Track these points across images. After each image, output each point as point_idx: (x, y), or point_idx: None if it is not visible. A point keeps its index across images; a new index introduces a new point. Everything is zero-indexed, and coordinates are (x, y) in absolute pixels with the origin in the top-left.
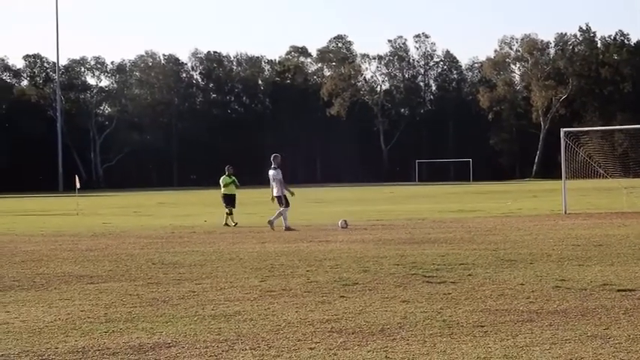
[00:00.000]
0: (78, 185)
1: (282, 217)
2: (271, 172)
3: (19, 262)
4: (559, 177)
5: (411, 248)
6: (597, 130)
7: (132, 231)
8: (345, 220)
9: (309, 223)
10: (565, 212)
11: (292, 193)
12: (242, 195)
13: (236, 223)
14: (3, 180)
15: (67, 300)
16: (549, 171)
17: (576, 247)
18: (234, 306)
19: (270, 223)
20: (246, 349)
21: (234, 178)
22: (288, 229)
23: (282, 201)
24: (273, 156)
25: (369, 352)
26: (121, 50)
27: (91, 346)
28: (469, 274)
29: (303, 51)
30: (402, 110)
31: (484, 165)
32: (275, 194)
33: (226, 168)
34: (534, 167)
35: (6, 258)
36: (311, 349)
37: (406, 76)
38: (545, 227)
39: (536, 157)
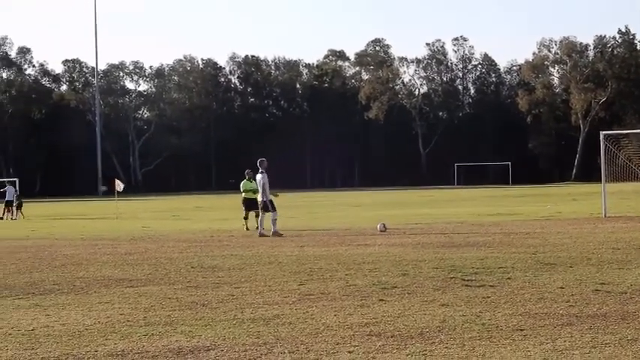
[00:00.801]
0: (119, 188)
1: (259, 221)
2: (258, 177)
3: (59, 265)
4: (599, 180)
5: (450, 252)
6: (637, 133)
7: (171, 235)
8: (384, 224)
9: (348, 226)
10: (605, 215)
11: (276, 195)
12: (282, 199)
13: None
14: (43, 184)
15: (107, 303)
16: (589, 174)
17: (616, 251)
18: (272, 309)
19: (261, 234)
20: (284, 353)
21: (254, 182)
22: (262, 235)
23: (268, 206)
24: (259, 160)
25: (407, 355)
26: (160, 55)
27: (131, 350)
28: (508, 278)
29: (340, 55)
30: (441, 113)
31: (523, 168)
32: (261, 199)
33: (246, 172)
34: (574, 170)
35: (46, 262)
36: (350, 352)
37: (444, 79)
38: (584, 230)
39: (576, 160)
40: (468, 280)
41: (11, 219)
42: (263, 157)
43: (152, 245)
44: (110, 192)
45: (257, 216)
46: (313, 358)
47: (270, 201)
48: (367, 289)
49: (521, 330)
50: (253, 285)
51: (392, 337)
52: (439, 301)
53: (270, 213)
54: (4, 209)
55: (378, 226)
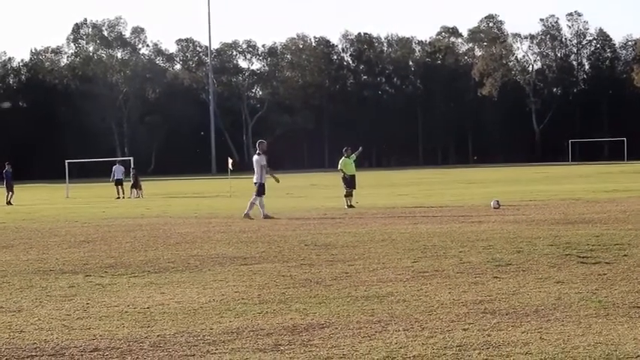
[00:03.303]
0: (231, 167)
1: (258, 206)
2: (255, 158)
3: (173, 244)
4: None
5: (564, 228)
6: None
7: (284, 212)
8: (498, 201)
9: (462, 203)
10: None
11: (277, 180)
12: (395, 176)
13: (355, 203)
14: (157, 163)
15: (221, 281)
16: None
17: None
18: (386, 287)
19: (247, 215)
20: (399, 330)
21: (352, 158)
22: (266, 217)
23: (260, 189)
24: (258, 142)
25: (523, 333)
26: (272, 33)
27: (245, 327)
28: (624, 255)
29: (453, 31)
30: (555, 90)
31: (639, 144)
32: (254, 180)
33: (344, 150)
34: None
35: (161, 240)
36: (464, 330)
37: (558, 55)
38: None
39: None
40: (583, 257)
41: (128, 197)
42: (262, 139)
43: (266, 223)
44: (225, 170)
45: (350, 194)
46: (428, 336)
47: (263, 184)
48: (481, 266)
49: (638, 307)
50: (367, 262)
51: (507, 314)
52: (554, 279)
53: (254, 197)
54: (117, 188)
55: (492, 203)
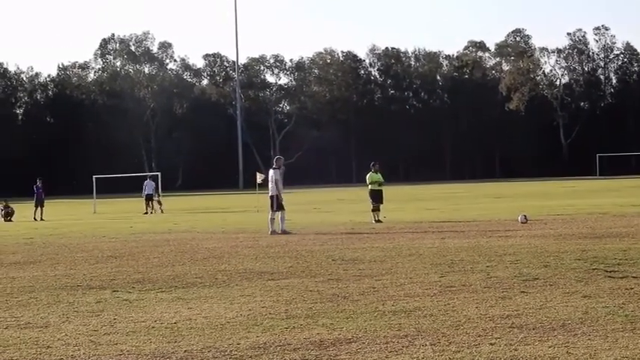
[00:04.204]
0: (259, 181)
1: (278, 220)
2: (271, 172)
3: (201, 259)
4: None
5: (592, 243)
6: None
7: (312, 227)
8: (525, 215)
9: (489, 218)
10: None
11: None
12: (422, 191)
13: (382, 218)
14: (185, 178)
15: (249, 296)
16: None
17: None
18: (414, 302)
19: (284, 231)
20: (426, 345)
21: (379, 174)
22: (274, 232)
23: (274, 203)
24: (276, 157)
25: (550, 347)
26: (300, 48)
27: (273, 342)
28: None
29: (481, 45)
30: (582, 104)
31: None
32: (270, 194)
33: (371, 165)
34: None
35: (188, 255)
36: (491, 344)
37: (586, 69)
38: None
39: None
40: (610, 272)
41: (151, 212)
42: (280, 155)
43: (293, 238)
44: (253, 185)
45: (378, 209)
46: (455, 351)
47: (277, 197)
48: (508, 280)
49: None
50: (394, 277)
51: (534, 329)
52: (581, 293)
53: (276, 212)
54: (146, 203)
55: (520, 218)
